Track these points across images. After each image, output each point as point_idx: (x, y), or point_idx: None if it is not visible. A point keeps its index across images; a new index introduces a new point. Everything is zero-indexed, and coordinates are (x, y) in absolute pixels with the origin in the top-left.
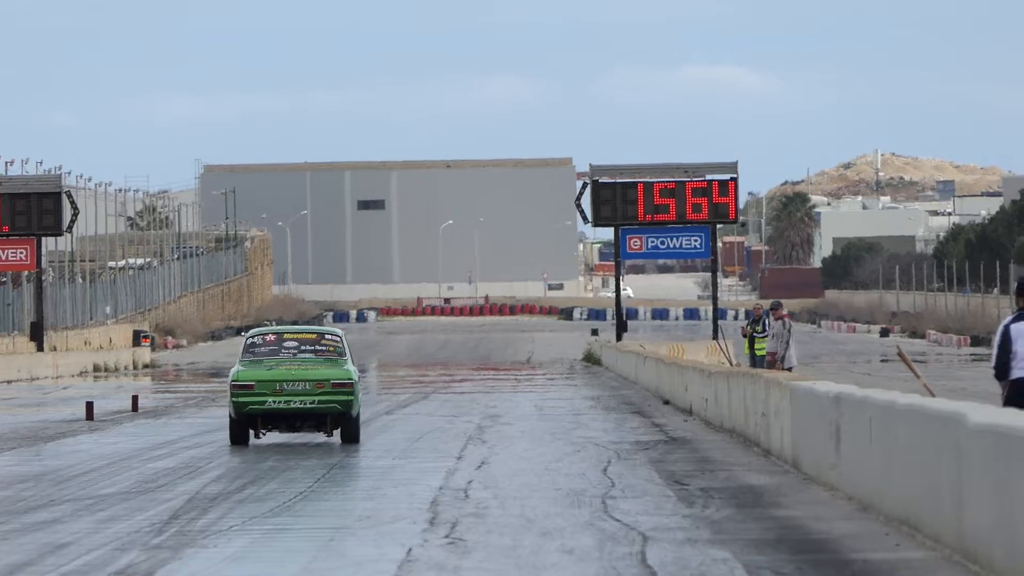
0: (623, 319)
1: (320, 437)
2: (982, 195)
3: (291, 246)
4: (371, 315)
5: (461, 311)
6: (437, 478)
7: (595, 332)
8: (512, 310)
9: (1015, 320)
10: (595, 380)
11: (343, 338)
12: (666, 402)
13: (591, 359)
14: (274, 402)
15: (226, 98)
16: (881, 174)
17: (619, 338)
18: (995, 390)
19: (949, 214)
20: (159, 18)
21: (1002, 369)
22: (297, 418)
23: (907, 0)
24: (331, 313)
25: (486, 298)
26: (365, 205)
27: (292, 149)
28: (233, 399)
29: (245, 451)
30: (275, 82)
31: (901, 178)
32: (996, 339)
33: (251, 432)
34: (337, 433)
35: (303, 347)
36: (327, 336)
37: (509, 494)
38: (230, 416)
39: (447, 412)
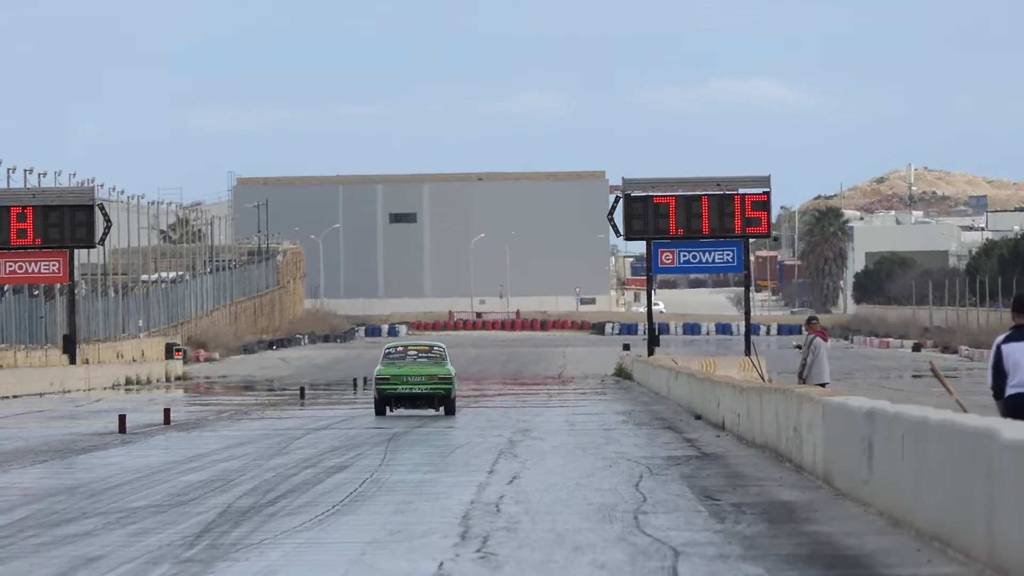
0: (655, 334)
1: (431, 412)
2: (1015, 210)
3: (323, 259)
4: (403, 329)
5: (493, 325)
6: (468, 492)
7: (627, 347)
8: (544, 325)
9: (1007, 340)
10: (626, 395)
11: (445, 349)
12: (698, 417)
13: (622, 374)
14: (402, 388)
15: (259, 110)
16: (914, 189)
17: (651, 353)
18: None
19: (982, 229)
20: (192, 31)
21: (998, 389)
22: (416, 399)
23: (940, 15)
24: (363, 327)
25: (517, 312)
26: (397, 218)
27: (325, 162)
28: (376, 386)
29: (277, 465)
30: (308, 95)
31: (934, 193)
32: (990, 359)
33: (387, 408)
34: (442, 409)
35: (420, 355)
36: (435, 347)
37: (540, 509)
38: (374, 397)
39: (479, 426)
